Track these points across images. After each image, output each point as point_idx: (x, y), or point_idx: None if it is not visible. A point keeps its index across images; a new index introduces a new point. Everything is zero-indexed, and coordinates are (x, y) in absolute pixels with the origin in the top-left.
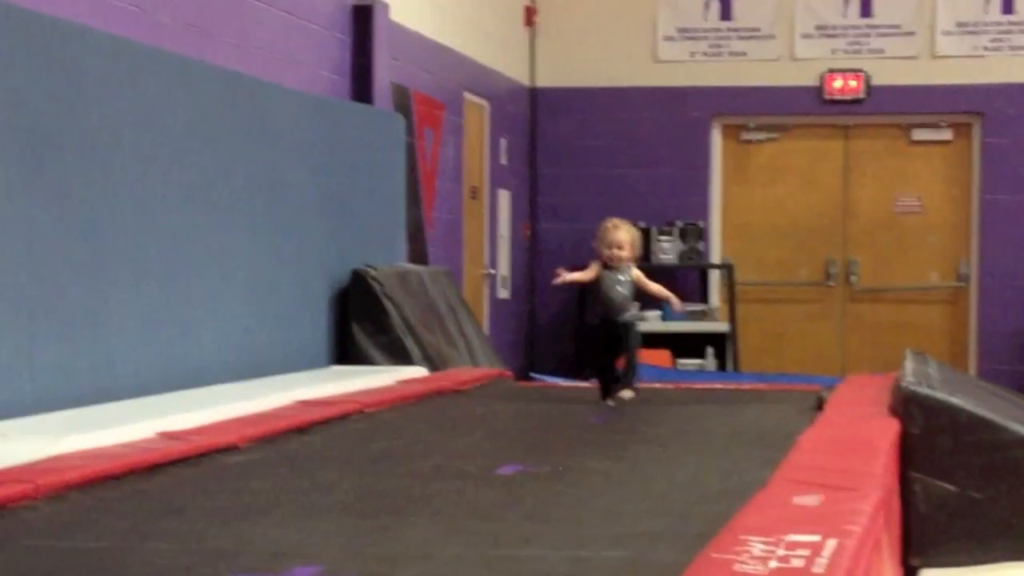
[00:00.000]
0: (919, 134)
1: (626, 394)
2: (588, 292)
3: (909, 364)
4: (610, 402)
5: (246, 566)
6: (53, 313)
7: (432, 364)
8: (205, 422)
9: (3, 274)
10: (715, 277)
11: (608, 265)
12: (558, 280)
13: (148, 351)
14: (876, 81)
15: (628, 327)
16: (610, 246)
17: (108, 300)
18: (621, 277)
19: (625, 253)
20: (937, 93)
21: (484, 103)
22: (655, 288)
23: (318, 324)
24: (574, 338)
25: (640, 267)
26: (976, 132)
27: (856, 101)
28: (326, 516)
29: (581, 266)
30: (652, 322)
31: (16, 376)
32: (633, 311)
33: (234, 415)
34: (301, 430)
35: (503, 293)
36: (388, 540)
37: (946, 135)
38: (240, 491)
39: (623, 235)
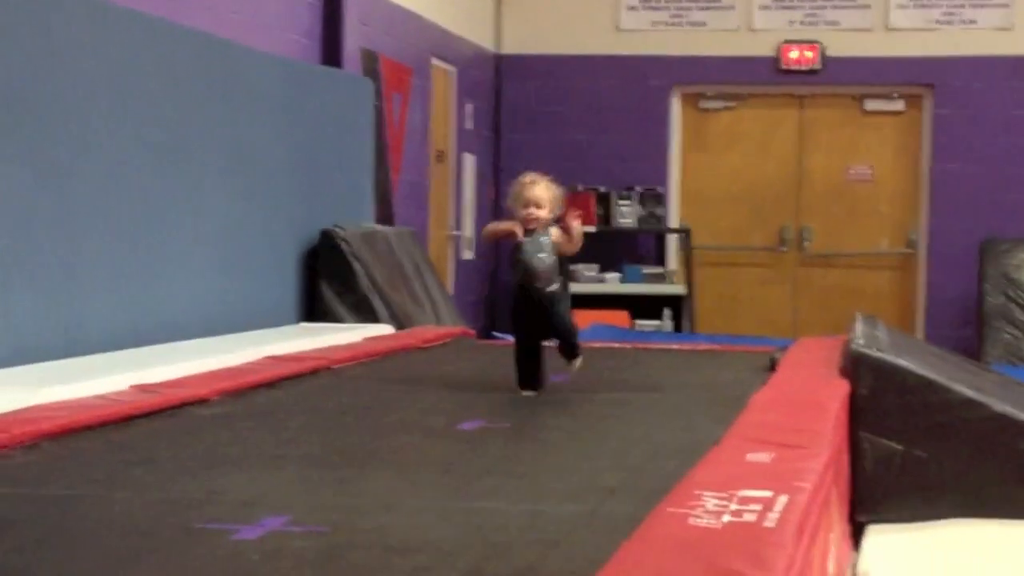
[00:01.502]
0: (872, 104)
1: (577, 363)
2: (512, 256)
3: (859, 327)
4: (528, 392)
5: (216, 515)
6: (29, 269)
7: (398, 322)
8: (177, 376)
9: None
10: (673, 241)
11: (526, 229)
12: (486, 235)
13: (121, 306)
14: (831, 52)
15: (553, 299)
16: (526, 204)
17: (82, 256)
18: (543, 241)
19: (544, 213)
20: (890, 65)
21: (451, 69)
22: (574, 233)
23: (287, 282)
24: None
25: (600, 232)
26: (927, 103)
27: (811, 72)
28: (293, 468)
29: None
30: (611, 284)
31: None
32: (557, 283)
33: (205, 369)
34: (270, 385)
35: (467, 254)
36: (353, 491)
37: (898, 106)
38: (210, 443)
39: (541, 191)
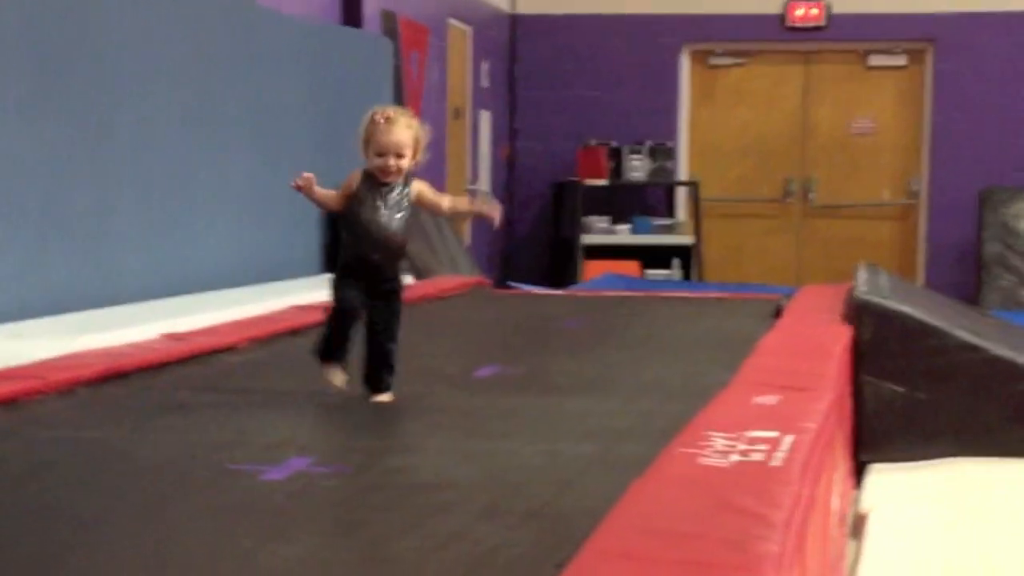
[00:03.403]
0: (875, 60)
1: (384, 397)
2: (349, 218)
3: (862, 275)
4: (339, 379)
5: (244, 457)
6: (64, 223)
7: (417, 273)
8: (206, 324)
9: (17, 186)
10: (682, 193)
11: (377, 180)
12: (297, 184)
13: (152, 258)
14: (836, 9)
15: (394, 292)
16: (383, 152)
17: (115, 211)
18: (395, 195)
19: (406, 163)
20: (893, 21)
21: (467, 28)
22: (453, 204)
23: (311, 235)
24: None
25: (612, 185)
26: (929, 58)
27: (817, 28)
28: (318, 412)
29: (548, 185)
30: (622, 235)
31: (30, 281)
32: (403, 270)
33: (233, 318)
34: (295, 332)
35: None
36: (374, 434)
37: (901, 61)
38: (239, 389)
39: (402, 134)
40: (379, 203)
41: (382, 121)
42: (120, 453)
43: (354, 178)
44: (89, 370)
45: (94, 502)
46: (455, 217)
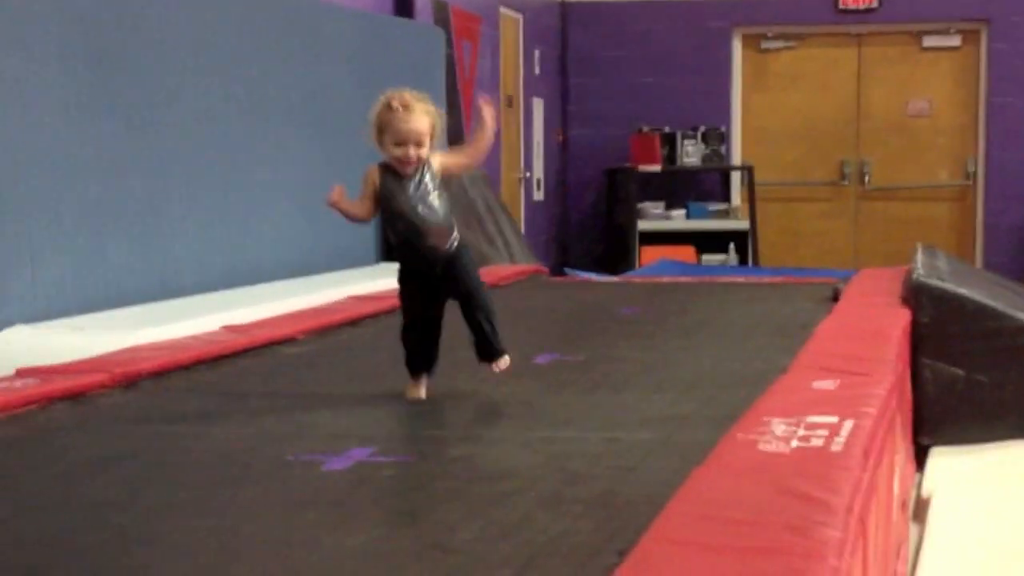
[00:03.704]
0: (929, 41)
1: (503, 363)
2: (386, 218)
3: (920, 257)
4: (418, 393)
5: (305, 448)
6: (122, 217)
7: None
8: (265, 316)
9: (76, 181)
10: (736, 178)
11: (396, 172)
12: (331, 199)
13: (210, 251)
14: None
15: (456, 256)
16: (402, 141)
17: (173, 204)
18: (427, 181)
19: (425, 150)
20: (946, 2)
21: (518, 16)
22: (473, 148)
23: (367, 225)
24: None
25: (666, 171)
26: (983, 38)
27: (869, 10)
28: (377, 402)
29: (602, 171)
30: (677, 221)
31: (91, 274)
32: (455, 233)
33: (291, 309)
34: (353, 323)
35: (537, 195)
36: (435, 423)
37: (955, 41)
38: (298, 380)
39: (419, 121)
40: (410, 193)
41: (400, 108)
42: (184, 445)
43: (372, 175)
44: (152, 363)
45: (159, 493)
46: (479, 150)
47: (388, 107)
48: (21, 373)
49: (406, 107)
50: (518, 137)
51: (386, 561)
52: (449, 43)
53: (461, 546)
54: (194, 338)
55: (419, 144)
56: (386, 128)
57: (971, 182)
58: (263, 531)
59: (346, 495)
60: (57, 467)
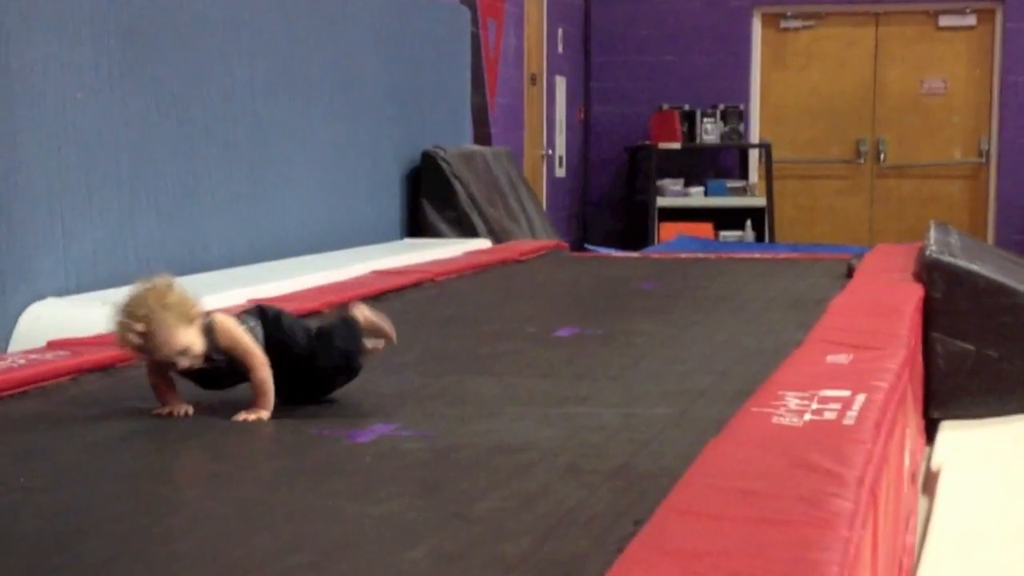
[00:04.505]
0: (945, 20)
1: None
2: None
3: (933, 234)
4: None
5: (329, 424)
6: (152, 193)
7: (495, 237)
8: (290, 290)
9: (107, 157)
10: (754, 156)
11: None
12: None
13: (237, 226)
14: None
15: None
16: (164, 354)
17: (200, 180)
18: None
19: (197, 352)
20: None
21: None
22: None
23: (391, 201)
24: None
25: (685, 148)
26: (998, 18)
27: None
28: (402, 375)
29: (623, 148)
30: (696, 197)
31: (121, 249)
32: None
33: (316, 283)
34: (377, 297)
35: (559, 172)
36: (457, 397)
37: (970, 21)
38: None
39: (172, 334)
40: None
41: (138, 327)
42: (208, 418)
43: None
44: None
45: (186, 464)
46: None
47: (122, 322)
48: (52, 345)
49: (145, 318)
50: (541, 114)
51: (409, 530)
52: (474, 21)
53: (482, 516)
54: (222, 311)
55: (184, 353)
56: (145, 346)
57: (984, 160)
58: (288, 501)
59: (369, 467)
60: (89, 438)
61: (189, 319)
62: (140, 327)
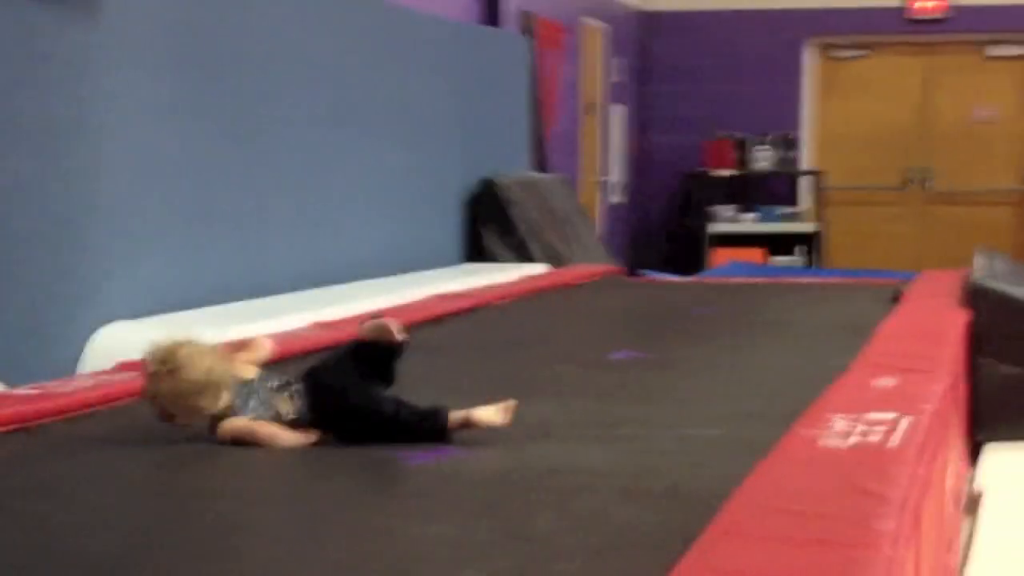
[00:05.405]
0: (995, 50)
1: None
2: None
3: (978, 260)
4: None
5: (390, 444)
6: (220, 219)
7: (553, 262)
8: (352, 313)
9: (177, 184)
10: (805, 183)
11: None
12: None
13: (301, 251)
14: (956, 1)
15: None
16: (175, 405)
17: (266, 206)
18: (250, 395)
19: (206, 404)
20: (1013, 12)
21: (601, 26)
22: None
23: (451, 227)
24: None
25: (737, 175)
26: None
27: (937, 21)
28: (461, 398)
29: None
30: (747, 223)
31: (188, 273)
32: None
33: (377, 307)
34: (437, 320)
35: (615, 198)
36: (516, 419)
37: (1018, 51)
38: None
39: (184, 394)
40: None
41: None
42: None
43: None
44: None
45: (248, 485)
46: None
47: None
48: (121, 367)
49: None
50: (597, 142)
51: (466, 549)
52: (534, 52)
53: (537, 535)
54: (286, 334)
55: (190, 410)
56: (165, 401)
57: None
58: (349, 520)
59: (428, 488)
60: (157, 456)
61: (205, 391)
62: (160, 410)
